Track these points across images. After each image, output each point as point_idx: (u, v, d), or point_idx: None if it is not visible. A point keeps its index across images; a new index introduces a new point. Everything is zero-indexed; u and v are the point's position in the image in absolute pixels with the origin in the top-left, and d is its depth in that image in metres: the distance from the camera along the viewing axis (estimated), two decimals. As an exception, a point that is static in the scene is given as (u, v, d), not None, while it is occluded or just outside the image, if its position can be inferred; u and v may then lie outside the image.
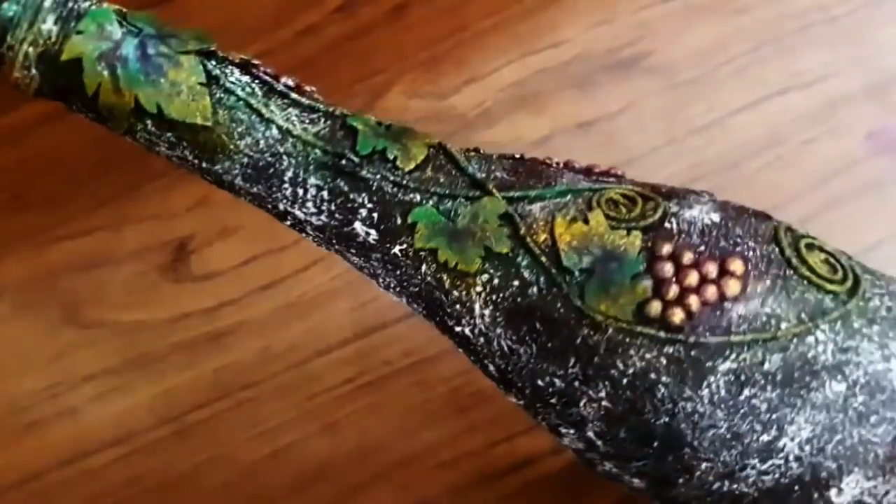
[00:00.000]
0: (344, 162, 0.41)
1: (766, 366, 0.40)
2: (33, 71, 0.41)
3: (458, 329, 0.42)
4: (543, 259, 0.40)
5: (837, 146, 0.61)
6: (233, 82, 0.41)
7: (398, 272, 0.42)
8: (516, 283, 0.41)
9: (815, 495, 0.41)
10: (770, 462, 0.41)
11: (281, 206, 0.42)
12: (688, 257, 0.40)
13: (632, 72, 0.63)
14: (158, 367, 0.60)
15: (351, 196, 0.41)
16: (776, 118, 0.61)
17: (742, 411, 0.40)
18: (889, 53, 0.62)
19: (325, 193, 0.42)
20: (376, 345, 0.60)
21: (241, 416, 0.59)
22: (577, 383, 0.41)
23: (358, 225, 0.42)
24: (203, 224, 0.62)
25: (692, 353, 0.40)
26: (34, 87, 0.41)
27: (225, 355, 0.60)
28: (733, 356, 0.40)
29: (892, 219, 0.59)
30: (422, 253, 0.41)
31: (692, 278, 0.40)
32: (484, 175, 0.42)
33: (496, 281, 0.41)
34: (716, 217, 0.41)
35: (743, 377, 0.40)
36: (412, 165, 0.42)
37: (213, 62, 0.41)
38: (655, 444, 0.41)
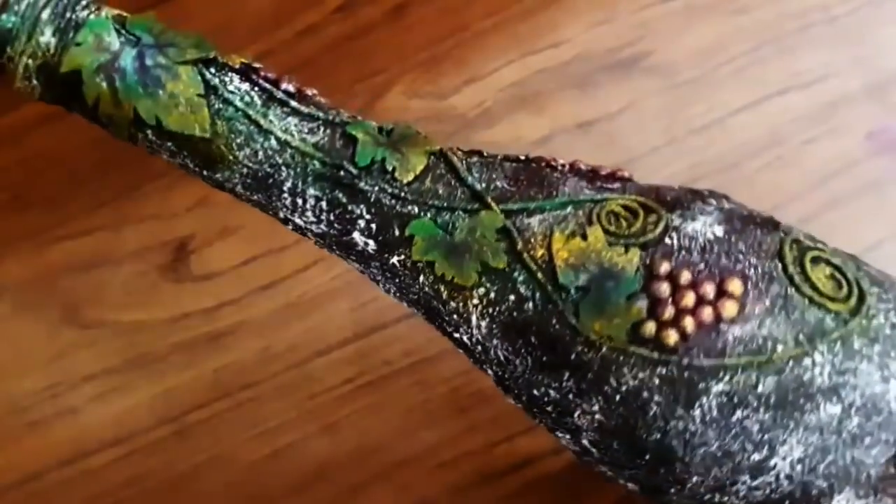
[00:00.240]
0: (342, 173, 0.41)
1: (760, 388, 0.39)
2: (34, 81, 0.41)
3: (456, 335, 0.42)
4: (539, 275, 0.40)
5: (837, 146, 0.61)
6: (231, 91, 0.41)
7: (397, 280, 0.42)
8: (512, 297, 0.41)
9: None
10: (761, 479, 0.40)
11: (281, 214, 0.42)
12: (685, 277, 0.39)
13: (632, 72, 0.63)
14: (158, 367, 0.60)
15: (349, 207, 0.41)
16: (776, 118, 0.61)
17: (734, 431, 0.40)
18: (889, 53, 0.62)
19: (323, 204, 0.41)
20: (376, 345, 0.60)
21: (241, 416, 0.59)
22: (571, 395, 0.41)
23: (356, 235, 0.42)
24: (203, 224, 0.62)
25: (685, 374, 0.39)
26: (37, 94, 0.41)
27: (225, 355, 0.60)
28: (727, 378, 0.39)
29: (892, 219, 0.59)
30: (419, 264, 0.41)
31: (689, 299, 0.39)
32: (484, 185, 0.41)
33: (492, 295, 0.41)
34: (719, 231, 0.41)
35: (736, 399, 0.39)
36: (411, 177, 0.41)
37: (213, 70, 0.41)
38: (647, 457, 0.41)
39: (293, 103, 0.42)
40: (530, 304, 0.40)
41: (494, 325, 0.41)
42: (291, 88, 0.42)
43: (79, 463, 0.59)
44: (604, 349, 0.40)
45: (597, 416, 0.41)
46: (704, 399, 0.39)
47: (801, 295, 0.40)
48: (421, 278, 0.41)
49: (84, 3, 0.41)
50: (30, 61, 0.40)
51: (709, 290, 0.39)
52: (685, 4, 0.64)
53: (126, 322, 0.61)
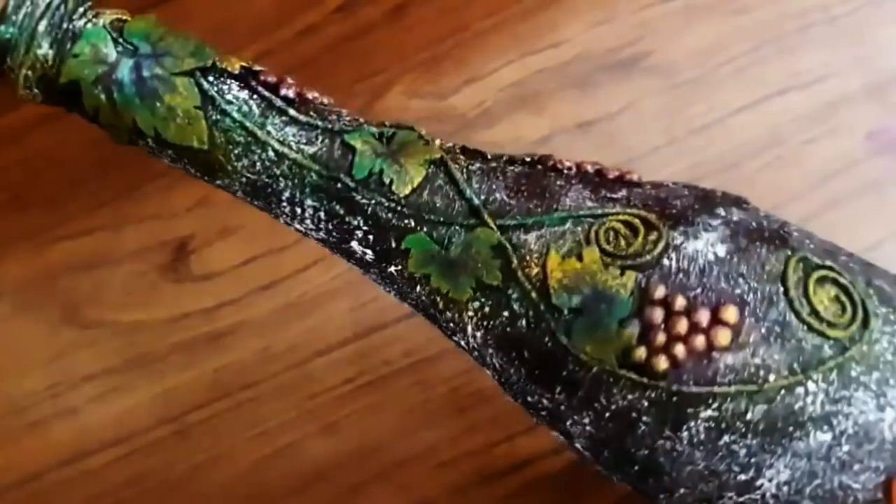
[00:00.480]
0: (339, 186, 0.41)
1: (749, 416, 0.39)
2: (35, 90, 0.41)
3: (454, 339, 0.43)
4: (533, 294, 0.40)
5: (837, 146, 0.61)
6: (229, 101, 0.41)
7: (395, 286, 0.42)
8: (506, 313, 0.40)
9: None
10: (747, 496, 0.40)
11: (281, 220, 0.42)
12: (680, 303, 0.39)
13: (632, 72, 0.63)
14: (158, 367, 0.60)
15: (346, 219, 0.41)
16: (776, 118, 0.61)
17: (720, 454, 0.39)
18: (889, 53, 0.62)
19: (321, 214, 0.41)
20: (376, 345, 0.60)
21: (241, 416, 0.59)
22: (563, 407, 0.41)
23: (354, 244, 0.42)
24: (203, 224, 0.62)
25: (674, 399, 0.39)
26: (39, 101, 0.42)
27: (225, 355, 0.60)
28: (715, 405, 0.39)
29: (892, 219, 0.59)
30: (416, 276, 0.41)
31: (681, 326, 0.39)
32: (483, 198, 0.41)
33: (487, 309, 0.41)
34: (721, 251, 0.40)
35: (724, 425, 0.39)
36: (408, 190, 0.41)
37: (210, 79, 0.41)
38: (636, 468, 0.41)
39: (291, 111, 0.41)
40: (523, 322, 0.40)
41: (489, 337, 0.41)
42: (291, 94, 0.42)
43: (79, 463, 0.59)
44: (594, 370, 0.39)
45: (587, 428, 0.41)
46: (692, 423, 0.39)
47: (800, 321, 0.39)
48: (418, 288, 0.41)
49: (81, 10, 0.41)
50: (29, 72, 0.40)
51: (703, 317, 0.39)
52: (685, 4, 0.64)
53: (126, 322, 0.61)
